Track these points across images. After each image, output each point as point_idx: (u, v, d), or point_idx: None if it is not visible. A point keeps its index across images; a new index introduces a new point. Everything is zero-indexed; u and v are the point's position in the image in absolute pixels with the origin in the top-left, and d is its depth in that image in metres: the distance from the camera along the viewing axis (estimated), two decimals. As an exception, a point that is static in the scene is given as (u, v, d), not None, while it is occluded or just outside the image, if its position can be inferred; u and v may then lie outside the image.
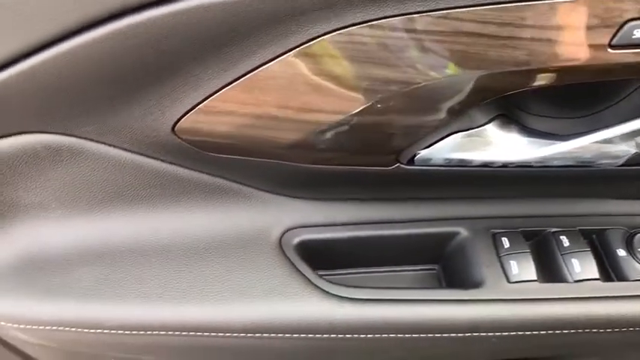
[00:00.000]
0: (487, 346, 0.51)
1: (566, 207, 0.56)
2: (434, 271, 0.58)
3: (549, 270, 0.52)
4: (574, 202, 0.56)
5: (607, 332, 0.50)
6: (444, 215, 0.55)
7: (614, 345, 0.54)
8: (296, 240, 0.53)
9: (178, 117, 0.44)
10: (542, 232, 0.54)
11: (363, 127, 0.42)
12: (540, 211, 0.55)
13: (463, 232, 0.54)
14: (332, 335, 0.49)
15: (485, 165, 0.46)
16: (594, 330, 0.49)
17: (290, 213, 0.54)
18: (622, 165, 0.46)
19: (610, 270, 0.52)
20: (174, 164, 0.49)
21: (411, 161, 0.46)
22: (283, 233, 0.53)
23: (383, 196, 0.54)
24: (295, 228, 0.54)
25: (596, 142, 0.43)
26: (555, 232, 0.53)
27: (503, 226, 0.54)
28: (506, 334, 0.49)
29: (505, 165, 0.46)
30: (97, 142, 0.47)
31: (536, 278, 0.50)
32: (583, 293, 0.49)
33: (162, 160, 0.49)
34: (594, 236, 0.54)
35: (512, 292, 0.49)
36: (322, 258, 0.54)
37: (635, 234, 0.53)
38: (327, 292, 0.49)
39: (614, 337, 0.50)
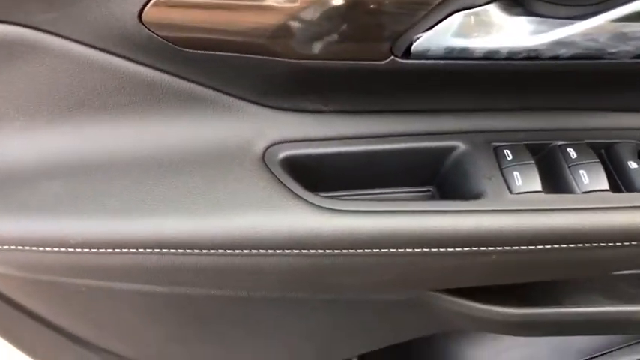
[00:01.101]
0: (487, 265, 0.47)
1: (574, 120, 0.51)
2: (429, 193, 0.54)
3: (555, 182, 0.48)
4: (582, 116, 0.52)
5: (616, 246, 0.46)
6: (441, 129, 0.50)
7: (622, 262, 0.50)
8: (281, 155, 0.49)
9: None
10: (548, 145, 0.50)
11: (351, 5, 0.37)
12: (546, 124, 0.51)
13: (461, 146, 0.50)
14: (320, 251, 0.45)
15: (490, 58, 0.41)
16: (602, 244, 0.46)
17: (274, 126, 0.49)
18: (637, 57, 0.42)
19: (619, 183, 0.48)
20: (146, 65, 0.44)
21: (407, 54, 0.41)
22: (267, 148, 0.49)
23: (375, 107, 0.50)
24: (280, 143, 0.49)
25: (611, 20, 0.38)
26: (562, 145, 0.49)
27: (506, 140, 0.50)
28: (508, 248, 0.45)
29: (511, 57, 0.41)
30: (56, 35, 0.42)
31: (541, 190, 0.46)
32: (591, 204, 0.45)
33: (132, 60, 0.44)
34: (602, 151, 0.50)
35: (515, 202, 0.45)
36: (310, 176, 0.50)
37: (647, 146, 0.49)
38: (315, 205, 0.45)
39: (622, 252, 0.47)
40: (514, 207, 0.45)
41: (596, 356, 0.74)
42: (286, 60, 0.42)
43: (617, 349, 0.73)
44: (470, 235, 0.44)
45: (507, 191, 0.46)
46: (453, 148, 0.50)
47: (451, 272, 0.49)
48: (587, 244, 0.45)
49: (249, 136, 0.49)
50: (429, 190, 0.54)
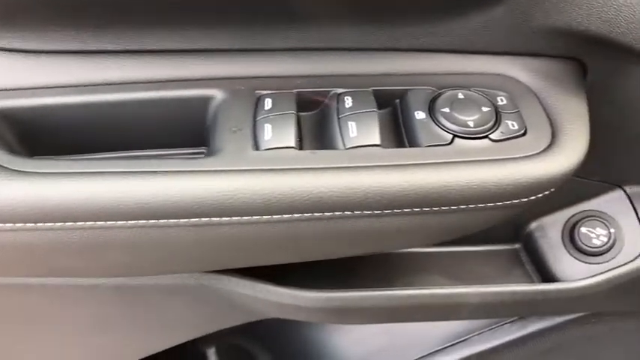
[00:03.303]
0: (219, 244, 0.38)
1: (363, 64, 0.42)
2: (202, 156, 0.45)
3: (321, 137, 0.39)
4: (372, 58, 0.42)
5: (385, 215, 0.37)
6: (195, 75, 0.41)
7: (398, 236, 0.41)
8: None
9: None
10: (327, 93, 0.41)
11: None
12: (328, 69, 0.42)
13: (219, 95, 0.40)
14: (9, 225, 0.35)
15: None
16: (366, 212, 0.36)
17: None
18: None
19: (404, 136, 0.39)
20: None
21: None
22: None
23: (108, 46, 0.39)
24: None
25: None
26: (342, 93, 0.40)
27: (278, 87, 0.40)
28: (246, 219, 0.36)
29: None
30: None
31: (293, 145, 0.37)
32: (354, 162, 0.36)
33: None
34: (397, 101, 0.41)
35: (255, 161, 0.36)
36: (41, 137, 0.40)
37: (442, 94, 0.40)
38: None
39: (392, 222, 0.38)
40: (252, 166, 0.36)
41: (456, 343, 0.67)
42: None
43: (478, 334, 0.66)
44: (189, 203, 0.35)
45: (251, 147, 0.37)
46: (209, 98, 0.41)
47: (197, 250, 0.39)
48: (347, 213, 0.36)
49: None
50: (202, 152, 0.45)
